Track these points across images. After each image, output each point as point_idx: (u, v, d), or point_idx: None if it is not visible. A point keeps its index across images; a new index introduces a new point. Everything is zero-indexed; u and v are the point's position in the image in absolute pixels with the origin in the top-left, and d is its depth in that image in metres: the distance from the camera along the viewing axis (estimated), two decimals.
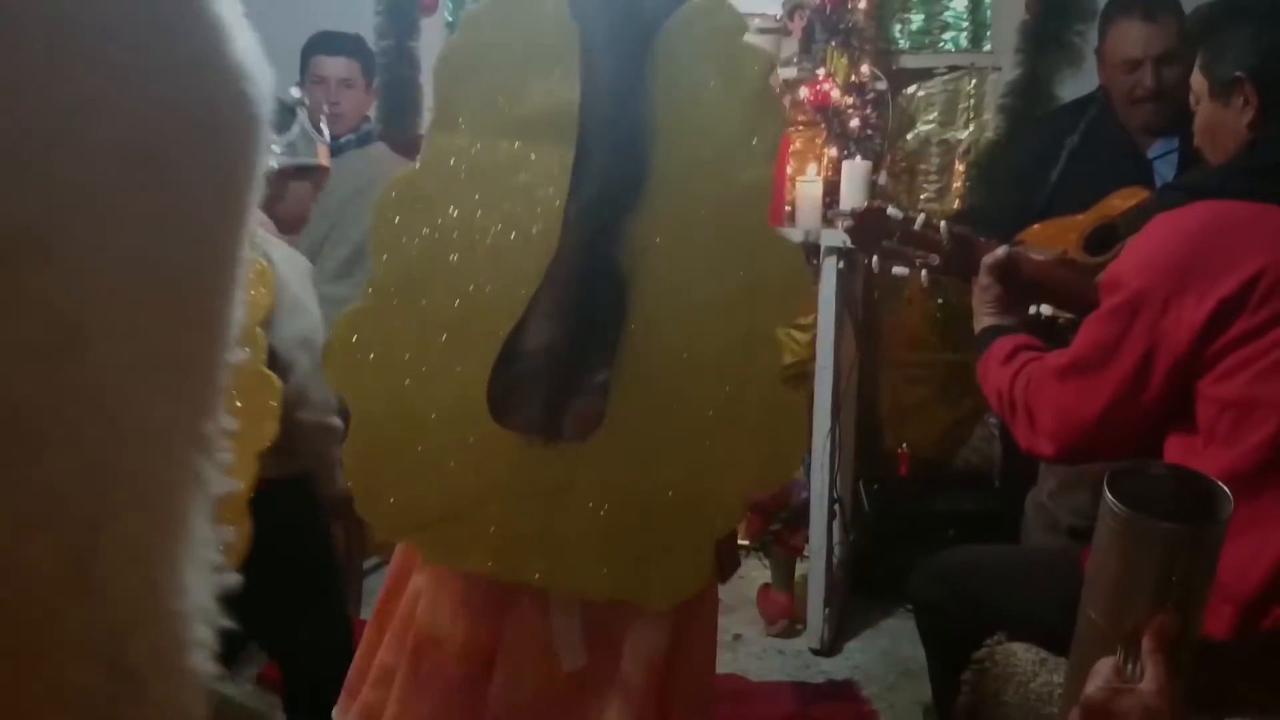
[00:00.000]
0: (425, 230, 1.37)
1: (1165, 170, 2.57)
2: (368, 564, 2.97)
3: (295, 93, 2.12)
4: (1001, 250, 1.82)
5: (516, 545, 1.36)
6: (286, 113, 2.04)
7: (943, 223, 1.86)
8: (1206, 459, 1.53)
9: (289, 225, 2.13)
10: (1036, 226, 2.50)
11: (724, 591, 3.11)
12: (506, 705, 1.40)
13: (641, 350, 1.32)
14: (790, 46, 3.19)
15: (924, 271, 1.87)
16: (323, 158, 2.14)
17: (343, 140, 3.24)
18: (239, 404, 1.87)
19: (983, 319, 1.83)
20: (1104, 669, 1.08)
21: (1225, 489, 1.12)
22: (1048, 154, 2.76)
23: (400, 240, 1.38)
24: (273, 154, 1.97)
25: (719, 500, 1.36)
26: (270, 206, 2.03)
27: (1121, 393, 1.56)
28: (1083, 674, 1.10)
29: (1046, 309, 1.94)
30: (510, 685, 1.40)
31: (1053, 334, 1.88)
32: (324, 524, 2.07)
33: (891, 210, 1.87)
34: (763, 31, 3.03)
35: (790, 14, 3.18)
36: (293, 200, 2.11)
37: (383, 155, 3.28)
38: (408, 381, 1.37)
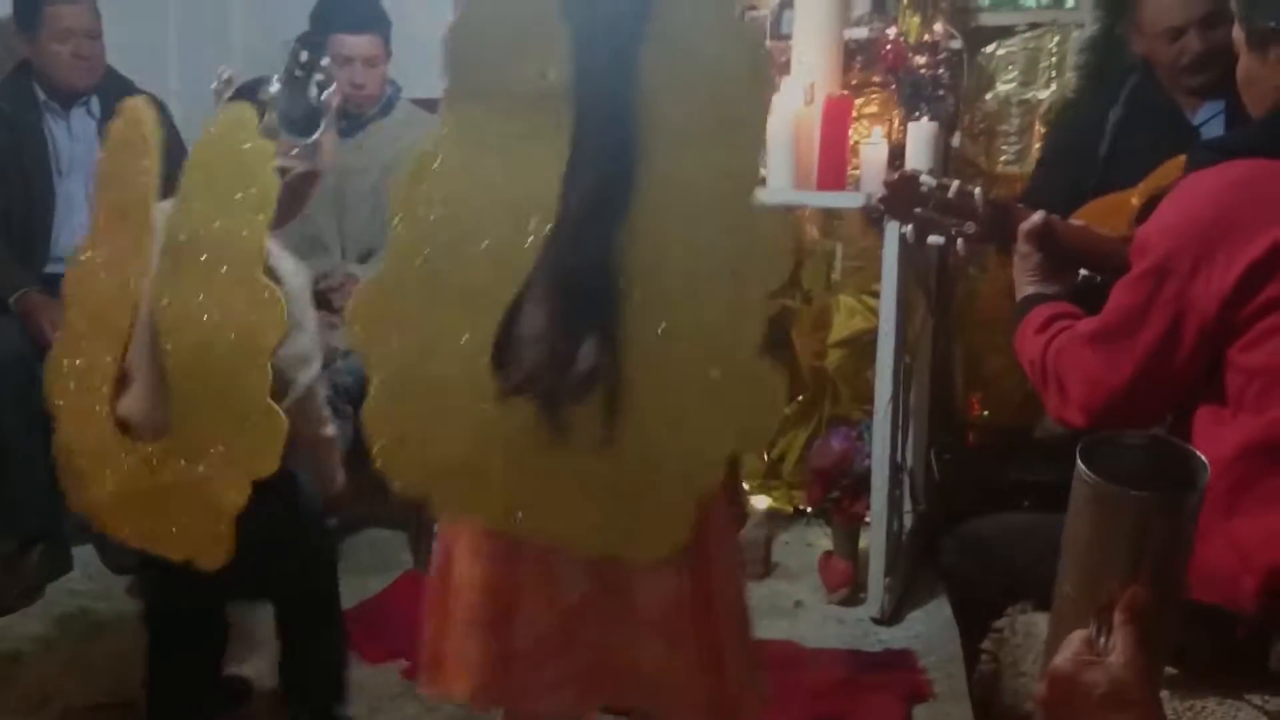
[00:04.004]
0: (441, 201, 1.45)
1: (1214, 135, 2.45)
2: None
3: (315, 89, 1.99)
4: (1038, 216, 1.77)
5: (515, 500, 1.45)
6: (314, 113, 1.99)
7: (977, 190, 1.82)
8: (1235, 429, 1.48)
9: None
10: (1091, 204, 2.43)
11: (787, 557, 3.17)
12: (528, 640, 1.51)
13: (633, 323, 1.38)
14: (862, 5, 3.13)
15: (960, 240, 1.83)
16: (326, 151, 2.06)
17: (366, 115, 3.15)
18: (244, 430, 1.92)
19: (1024, 287, 1.79)
20: (1075, 640, 1.07)
21: (1203, 458, 1.09)
22: (1094, 129, 2.67)
23: (418, 209, 1.46)
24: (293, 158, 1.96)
25: (701, 460, 1.42)
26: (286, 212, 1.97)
27: (1150, 360, 1.52)
28: (1057, 646, 1.09)
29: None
30: (529, 621, 1.52)
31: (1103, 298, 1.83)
32: (311, 513, 2.10)
33: (924, 178, 1.83)
34: None
35: None
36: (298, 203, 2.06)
37: (411, 118, 3.17)
38: (422, 344, 1.47)
